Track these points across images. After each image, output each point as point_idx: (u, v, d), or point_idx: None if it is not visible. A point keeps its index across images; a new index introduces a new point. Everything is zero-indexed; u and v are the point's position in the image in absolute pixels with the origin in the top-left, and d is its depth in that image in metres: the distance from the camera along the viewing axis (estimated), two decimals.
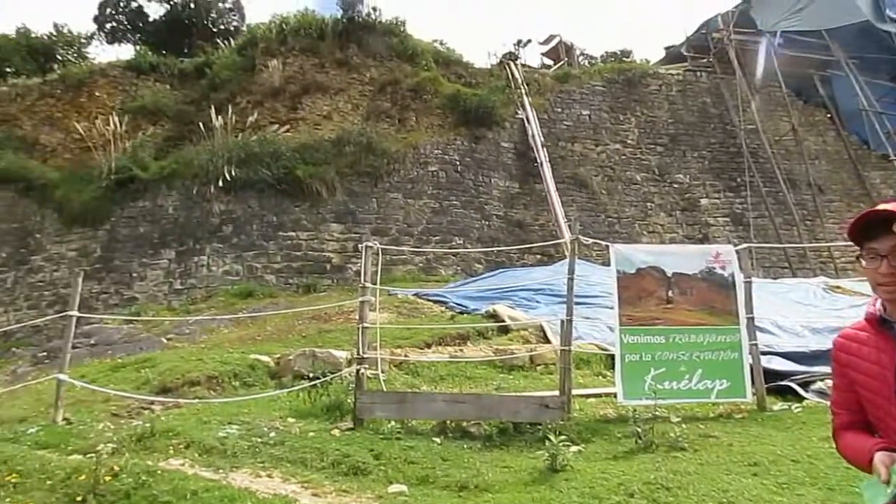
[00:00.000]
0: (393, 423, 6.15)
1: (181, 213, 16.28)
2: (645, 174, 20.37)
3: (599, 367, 8.76)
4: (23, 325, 13.99)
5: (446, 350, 9.09)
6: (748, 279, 7.02)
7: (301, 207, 16.18)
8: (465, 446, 5.77)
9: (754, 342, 6.78)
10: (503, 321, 10.01)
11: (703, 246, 13.48)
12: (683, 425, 5.82)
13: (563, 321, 6.44)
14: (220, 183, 15.88)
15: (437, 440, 5.92)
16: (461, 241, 17.05)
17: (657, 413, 5.92)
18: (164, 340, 11.43)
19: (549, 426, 5.69)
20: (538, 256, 17.53)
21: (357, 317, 7.10)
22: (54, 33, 27.38)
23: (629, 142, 20.75)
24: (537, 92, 20.39)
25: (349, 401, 6.60)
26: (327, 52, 19.86)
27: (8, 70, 24.74)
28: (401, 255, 15.79)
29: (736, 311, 6.81)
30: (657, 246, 12.13)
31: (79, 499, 4.57)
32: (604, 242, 9.10)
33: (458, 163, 18.04)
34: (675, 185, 20.44)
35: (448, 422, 6.22)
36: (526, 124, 19.23)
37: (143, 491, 4.60)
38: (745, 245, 7.44)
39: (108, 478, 4.70)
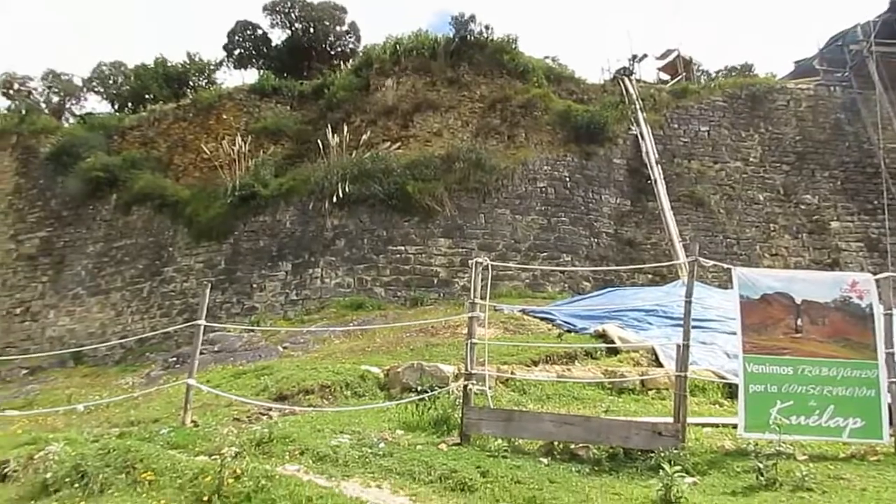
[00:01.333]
0: (500, 440, 6.11)
1: (298, 227, 17.09)
2: (768, 193, 19.27)
3: (716, 396, 8.32)
4: (156, 332, 15.11)
5: (553, 369, 8.94)
6: (889, 311, 6.42)
7: (410, 222, 16.55)
8: (574, 469, 5.63)
9: (894, 380, 6.18)
10: (613, 342, 9.73)
11: (837, 273, 12.56)
12: (811, 464, 5.40)
13: (679, 346, 6.16)
14: (335, 199, 16.56)
15: (545, 461, 5.81)
16: (569, 259, 16.80)
17: (781, 449, 5.51)
18: (281, 349, 11.98)
19: (663, 455, 5.44)
20: (650, 276, 16.96)
21: (465, 332, 7.13)
22: (187, 61, 29.67)
23: (751, 159, 19.73)
24: (652, 108, 19.84)
25: (456, 416, 6.62)
26: (439, 71, 20.28)
27: (147, 97, 27.09)
28: (507, 270, 15.76)
29: (874, 346, 6.23)
30: (785, 271, 11.38)
31: (205, 499, 4.85)
32: (725, 265, 8.64)
33: (567, 179, 17.83)
34: (802, 207, 19.20)
35: (555, 443, 6.09)
36: (640, 140, 18.74)
37: (263, 494, 4.81)
38: (886, 274, 6.78)
39: (230, 480, 4.95)
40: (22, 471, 6.20)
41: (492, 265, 7.80)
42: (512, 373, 8.53)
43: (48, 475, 5.60)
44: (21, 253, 21.47)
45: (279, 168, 19.28)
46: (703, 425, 6.85)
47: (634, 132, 18.95)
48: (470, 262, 7.20)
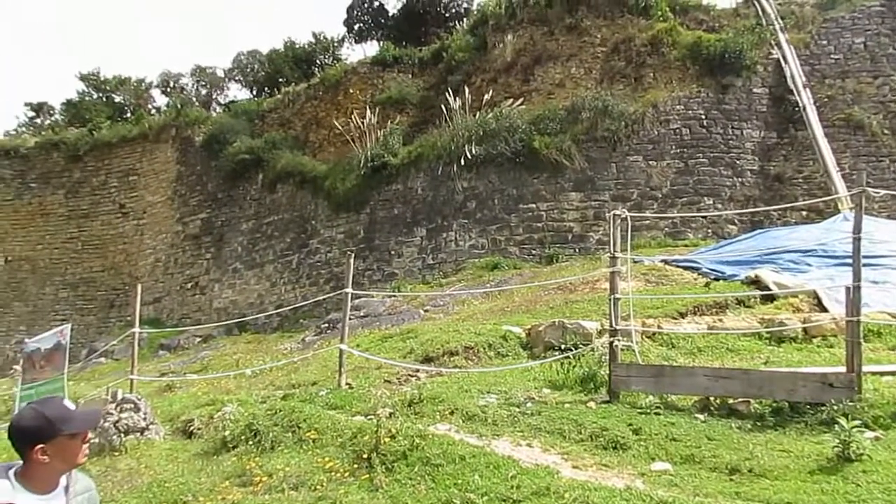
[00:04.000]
0: (650, 397, 5.93)
1: (429, 192, 17.38)
2: None
3: (893, 340, 7.54)
4: (307, 301, 16.08)
5: (703, 320, 8.51)
6: None
7: (540, 179, 16.28)
8: (733, 425, 5.35)
9: None
10: (768, 288, 9.06)
11: None
12: None
13: (848, 287, 5.61)
14: (462, 161, 16.61)
15: (701, 417, 5.58)
16: (711, 202, 15.81)
17: None
18: (422, 312, 12.34)
19: (836, 408, 5.02)
20: (804, 214, 15.55)
21: (605, 287, 6.94)
22: (313, 41, 30.78)
23: None
24: (795, 26, 17.92)
25: (602, 373, 6.51)
26: (556, 19, 19.53)
27: (280, 80, 28.51)
28: (644, 220, 15.12)
29: None
30: None
31: (364, 456, 5.13)
32: None
33: (703, 117, 16.67)
34: None
35: (711, 398, 5.82)
36: (783, 64, 17.05)
37: (418, 453, 5.01)
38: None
39: (387, 439, 5.20)
40: (204, 428, 6.90)
41: (629, 216, 7.49)
42: (658, 326, 8.22)
43: (226, 433, 6.18)
44: (187, 233, 23.68)
45: (406, 136, 19.61)
46: (882, 374, 6.23)
47: (776, 56, 17.24)
48: (606, 214, 6.96)
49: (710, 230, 15.54)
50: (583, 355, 7.28)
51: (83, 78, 38.67)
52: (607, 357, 6.38)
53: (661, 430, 5.24)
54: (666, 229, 15.60)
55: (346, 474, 4.97)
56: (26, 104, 45.91)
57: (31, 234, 28.57)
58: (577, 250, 15.51)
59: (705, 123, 16.59)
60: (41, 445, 2.19)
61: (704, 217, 15.49)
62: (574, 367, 7.01)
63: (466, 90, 18.15)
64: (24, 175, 29.39)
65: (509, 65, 19.84)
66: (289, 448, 5.66)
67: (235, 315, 18.92)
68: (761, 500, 4.04)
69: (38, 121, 40.59)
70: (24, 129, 40.62)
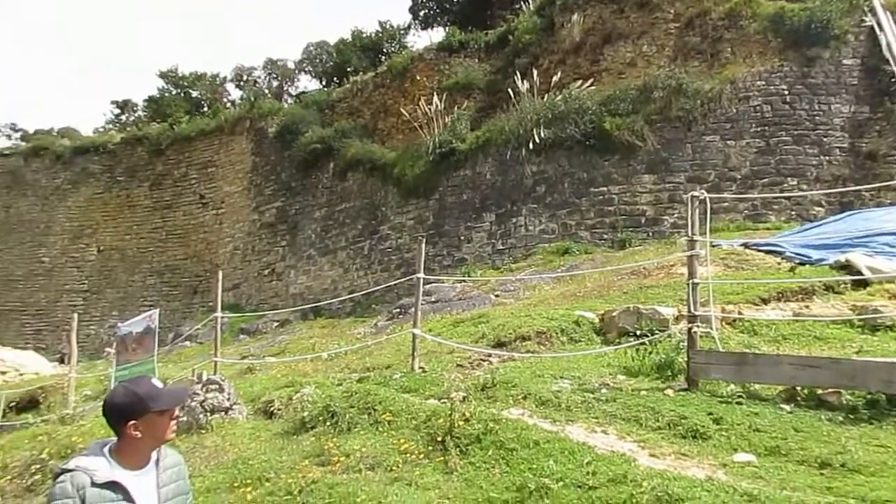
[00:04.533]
0: (732, 385, 5.74)
1: (497, 177, 17.29)
2: None
3: None
4: (379, 287, 16.34)
5: (788, 306, 8.13)
6: None
7: (611, 161, 15.91)
8: (822, 417, 5.10)
9: None
10: (860, 273, 8.56)
11: None
12: None
13: None
14: (531, 145, 16.42)
15: (786, 408, 5.34)
16: (795, 183, 15.03)
17: None
18: (493, 297, 12.33)
19: None
20: None
21: (681, 272, 6.74)
22: (379, 30, 31.05)
23: None
24: None
25: (680, 360, 6.33)
26: None
27: (348, 70, 28.93)
28: (722, 202, 14.54)
29: None
30: None
31: (438, 439, 5.18)
32: None
33: (786, 92, 15.84)
34: None
35: (798, 388, 5.56)
36: (877, 32, 15.92)
37: (491, 437, 5.02)
38: None
39: (461, 422, 5.24)
40: (284, 409, 7.14)
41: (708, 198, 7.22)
42: (739, 313, 7.92)
43: (305, 413, 6.38)
44: (263, 222, 24.49)
45: (474, 121, 19.55)
46: None
47: (869, 23, 16.13)
48: (682, 196, 6.73)
49: (793, 212, 14.80)
50: (659, 342, 7.10)
51: (163, 75, 40.46)
52: (685, 344, 6.19)
53: (744, 420, 5.06)
54: (746, 212, 14.96)
55: (421, 456, 5.04)
56: (112, 102, 48.45)
57: (120, 224, 30.20)
58: (650, 234, 15.10)
59: (789, 99, 15.76)
60: (133, 421, 2.31)
61: (788, 198, 14.76)
62: (650, 353, 6.85)
63: (534, 73, 17.90)
64: (112, 169, 31.08)
65: (578, 45, 19.43)
66: (365, 429, 5.78)
67: (310, 300, 19.43)
68: (856, 497, 3.84)
69: (124, 117, 42.78)
70: (110, 125, 42.93)
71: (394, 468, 4.93)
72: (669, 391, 5.85)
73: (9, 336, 26.58)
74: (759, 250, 11.29)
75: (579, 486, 4.12)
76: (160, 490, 2.41)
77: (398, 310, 13.51)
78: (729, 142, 15.58)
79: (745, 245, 11.59)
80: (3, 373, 17.04)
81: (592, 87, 17.07)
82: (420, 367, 7.61)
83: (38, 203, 32.47)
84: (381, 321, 13.55)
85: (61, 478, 2.27)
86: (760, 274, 9.77)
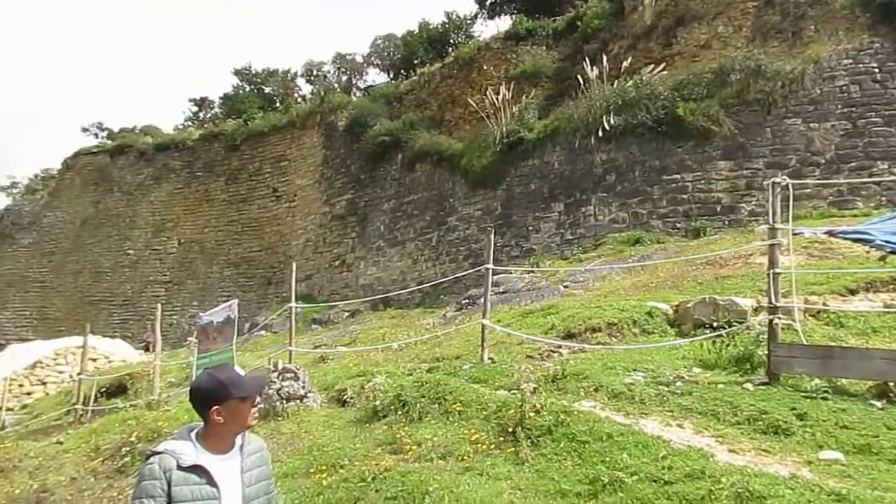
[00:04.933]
0: (816, 380, 5.48)
1: (566, 167, 17.04)
2: None
3: None
4: (447, 278, 16.43)
5: (878, 297, 7.69)
6: None
7: (684, 148, 15.41)
8: None
9: None
10: None
11: None
12: None
13: None
14: (600, 133, 16.09)
15: (877, 404, 5.07)
16: (885, 167, 14.15)
17: None
18: (562, 288, 12.19)
19: None
20: None
21: (759, 261, 6.47)
22: (446, 21, 31.04)
23: None
24: None
25: (760, 353, 6.10)
26: None
27: (415, 62, 29.09)
28: (804, 188, 13.83)
29: None
30: None
31: (509, 430, 5.18)
32: None
33: (876, 71, 14.91)
34: None
35: (891, 384, 5.26)
36: None
37: (563, 429, 4.98)
38: None
39: (531, 414, 5.22)
40: (356, 397, 7.29)
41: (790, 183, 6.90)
42: (824, 304, 7.55)
43: (377, 402, 6.49)
44: (333, 214, 25.04)
45: (541, 110, 19.32)
46: None
47: None
48: (762, 183, 6.45)
49: (884, 198, 13.95)
50: (737, 334, 6.85)
51: (237, 72, 41.80)
52: (766, 336, 5.95)
53: (830, 417, 4.83)
54: (830, 198, 14.21)
55: (492, 447, 5.05)
56: (190, 100, 50.46)
57: (199, 218, 31.51)
58: (726, 223, 14.55)
59: (879, 78, 14.83)
60: (216, 406, 2.41)
61: (877, 183, 13.91)
62: (727, 345, 6.62)
63: (603, 59, 17.50)
64: (190, 165, 32.45)
65: (649, 29, 18.89)
66: (435, 419, 5.84)
67: (380, 291, 19.74)
68: None
69: (201, 115, 44.46)
70: (189, 123, 44.72)
71: (465, 458, 4.96)
72: (749, 385, 5.65)
73: (98, 325, 28.12)
74: (846, 238, 10.72)
75: (654, 481, 4.04)
76: (244, 475, 2.49)
77: (466, 300, 13.54)
78: (812, 125, 14.81)
79: (830, 233, 11.02)
80: (94, 360, 18.09)
81: (664, 72, 16.55)
82: (489, 358, 7.62)
83: (124, 198, 34.27)
84: (449, 312, 13.62)
85: (150, 460, 2.38)
86: (847, 263, 9.27)
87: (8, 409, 16.79)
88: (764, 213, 13.09)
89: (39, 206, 38.37)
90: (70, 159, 37.85)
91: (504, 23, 28.16)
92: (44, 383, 18.42)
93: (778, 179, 6.01)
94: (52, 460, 8.14)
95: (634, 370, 6.38)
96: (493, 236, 8.28)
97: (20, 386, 18.03)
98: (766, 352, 5.82)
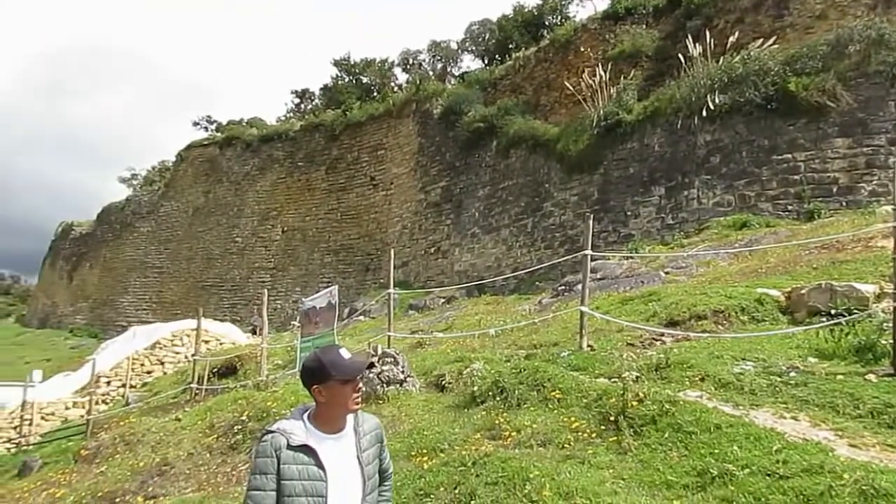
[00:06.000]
0: None
1: (667, 149, 16.44)
2: None
3: None
4: (542, 264, 16.31)
5: None
6: None
7: (796, 126, 14.48)
8: None
9: None
10: None
11: None
12: None
13: None
14: (704, 113, 15.40)
15: None
16: None
17: None
18: (663, 274, 11.81)
19: None
20: None
21: (886, 245, 6.02)
22: (541, 2, 30.54)
23: None
24: None
25: (884, 342, 5.69)
26: None
27: (510, 46, 28.85)
28: None
29: None
30: None
31: (611, 418, 5.10)
32: None
33: None
34: None
35: None
36: None
37: (668, 419, 4.84)
38: None
39: (634, 403, 5.11)
40: (455, 383, 7.40)
41: None
42: None
43: (475, 388, 6.56)
44: (429, 202, 25.37)
45: (641, 91, 18.71)
46: None
47: None
48: (891, 161, 5.97)
49: None
50: (857, 322, 6.41)
51: (336, 63, 42.96)
52: (891, 324, 5.54)
53: None
54: None
55: (593, 435, 4.99)
56: (292, 91, 52.42)
57: (301, 206, 32.80)
58: (843, 204, 13.59)
59: None
60: (317, 385, 2.48)
61: None
62: (847, 334, 6.20)
63: (707, 35, 16.69)
64: (293, 155, 33.78)
65: (758, 1, 17.83)
66: (534, 406, 5.83)
67: (475, 277, 19.87)
68: None
69: (302, 106, 46.12)
70: (290, 114, 46.51)
71: (565, 446, 4.93)
72: (871, 376, 5.29)
73: (209, 309, 29.92)
74: None
75: (768, 475, 3.86)
76: (361, 454, 2.55)
77: (563, 287, 13.38)
78: None
79: None
80: (207, 342, 19.30)
81: (775, 46, 15.59)
82: (588, 346, 7.51)
83: (232, 188, 36.21)
84: (545, 298, 13.51)
85: (264, 438, 2.47)
86: None
87: (131, 387, 18.24)
88: (887, 193, 12.13)
89: (157, 197, 41.22)
90: (183, 151, 40.40)
91: (602, 2, 27.46)
92: (162, 363, 19.84)
93: None
94: (171, 436, 8.78)
95: (744, 360, 6.10)
96: (591, 221, 8.12)
97: (141, 365, 19.52)
98: (892, 341, 5.41)
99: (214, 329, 21.17)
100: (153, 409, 13.40)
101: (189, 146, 40.20)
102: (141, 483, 7.44)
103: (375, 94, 37.68)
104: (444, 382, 7.59)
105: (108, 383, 18.75)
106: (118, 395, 18.31)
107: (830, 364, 5.81)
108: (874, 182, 13.39)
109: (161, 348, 20.06)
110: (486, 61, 32.80)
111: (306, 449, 2.43)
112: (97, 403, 16.62)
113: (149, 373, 19.45)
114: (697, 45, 16.46)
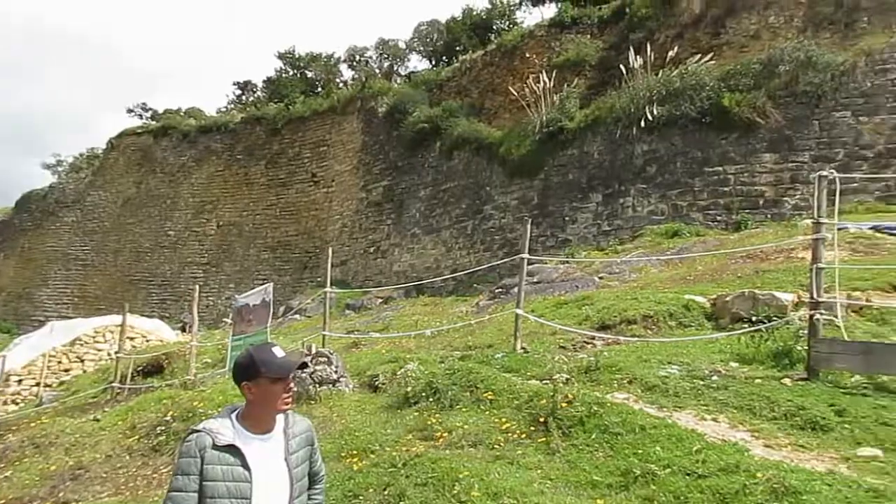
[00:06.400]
0: (857, 377, 5.35)
1: (606, 157, 16.84)
2: None
3: None
4: (481, 266, 16.42)
5: None
6: None
7: (728, 139, 15.09)
8: None
9: None
10: None
11: None
12: None
13: None
14: (642, 123, 15.86)
15: None
16: None
17: None
18: (597, 279, 12.07)
19: None
20: None
21: (801, 256, 6.31)
22: (490, 7, 30.81)
23: None
24: None
25: (799, 348, 5.97)
26: None
27: (457, 49, 28.99)
28: (851, 183, 13.43)
29: None
30: None
31: (541, 419, 5.16)
32: None
33: None
34: None
35: None
36: None
37: (595, 420, 4.94)
38: None
39: (563, 404, 5.19)
40: (388, 383, 7.34)
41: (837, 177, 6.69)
42: (867, 300, 7.35)
43: (408, 389, 6.53)
44: (370, 200, 25.20)
45: (583, 99, 19.11)
46: None
47: None
48: (809, 176, 6.28)
49: None
50: (776, 328, 6.70)
51: (281, 56, 42.17)
52: (806, 331, 5.82)
53: (870, 413, 4.71)
54: (877, 193, 13.77)
55: (523, 436, 5.04)
56: (234, 83, 51.10)
57: (238, 201, 32.04)
58: (768, 216, 14.24)
59: None
60: (246, 382, 2.43)
61: None
62: (766, 340, 6.48)
63: (649, 48, 17.21)
64: (232, 148, 32.96)
65: (697, 18, 18.51)
66: (467, 407, 5.85)
67: (413, 278, 19.84)
68: None
69: (244, 98, 45.06)
70: (231, 106, 45.38)
71: (496, 446, 4.96)
72: (787, 380, 5.54)
73: (137, 305, 28.80)
74: (892, 234, 10.39)
75: (688, 474, 3.99)
76: (290, 456, 2.49)
77: (500, 290, 13.51)
78: (861, 118, 14.35)
79: (876, 228, 10.70)
80: (132, 339, 18.42)
81: (711, 62, 16.19)
82: (522, 348, 7.60)
83: (166, 179, 35.00)
84: (482, 301, 13.61)
85: (189, 438, 2.40)
86: (893, 259, 8.99)
87: (46, 386, 17.19)
88: (808, 208, 12.75)
89: (84, 185, 39.37)
90: (115, 139, 38.75)
91: (549, 10, 27.89)
92: (82, 360, 18.68)
93: (825, 173, 5.84)
94: (88, 437, 8.28)
95: (670, 363, 6.29)
96: (529, 226, 8.22)
97: (59, 363, 18.29)
98: (806, 347, 5.69)
99: (141, 325, 20.25)
100: (69, 410, 12.69)
101: (121, 134, 38.61)
102: (51, 488, 6.99)
103: (320, 89, 37.19)
104: (377, 383, 7.52)
105: (20, 382, 17.55)
106: (31, 394, 17.25)
107: (750, 368, 6.05)
108: (797, 196, 14.06)
109: (82, 345, 18.93)
110: (433, 62, 32.88)
111: (232, 449, 2.37)
112: (6, 403, 15.68)
113: (67, 371, 18.29)
114: (639, 57, 16.93)
